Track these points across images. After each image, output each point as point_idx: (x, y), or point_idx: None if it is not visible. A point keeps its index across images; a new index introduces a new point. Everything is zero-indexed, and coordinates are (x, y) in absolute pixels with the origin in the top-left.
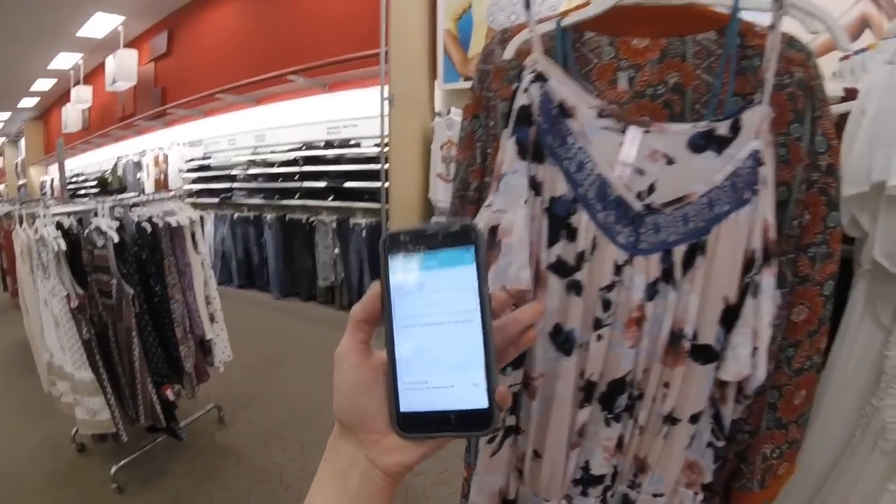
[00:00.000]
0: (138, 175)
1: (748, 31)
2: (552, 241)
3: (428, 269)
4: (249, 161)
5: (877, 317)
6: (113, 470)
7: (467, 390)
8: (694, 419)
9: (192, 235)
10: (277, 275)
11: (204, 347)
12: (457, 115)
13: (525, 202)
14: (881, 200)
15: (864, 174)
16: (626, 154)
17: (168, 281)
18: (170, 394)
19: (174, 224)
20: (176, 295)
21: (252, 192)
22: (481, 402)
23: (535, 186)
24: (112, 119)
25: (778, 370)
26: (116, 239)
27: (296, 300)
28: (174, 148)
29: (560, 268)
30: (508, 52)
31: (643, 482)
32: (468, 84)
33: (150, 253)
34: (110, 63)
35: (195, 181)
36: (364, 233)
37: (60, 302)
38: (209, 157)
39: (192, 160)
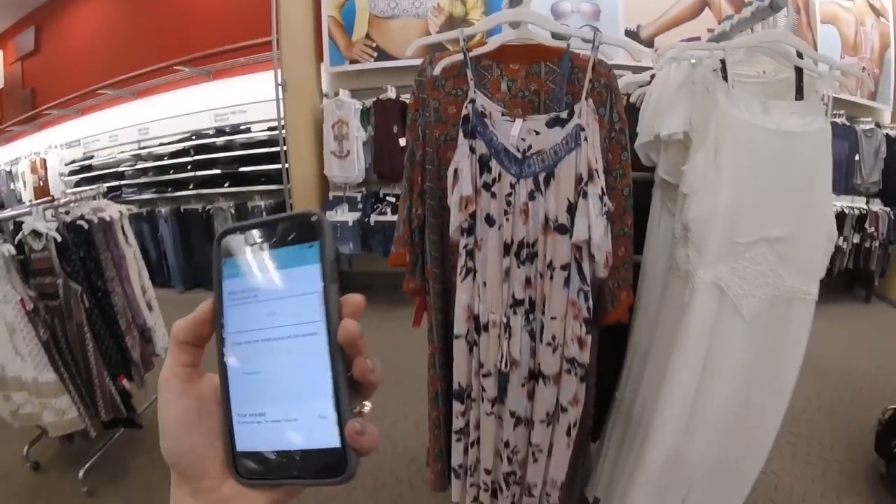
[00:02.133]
0: (12, 186)
1: (575, 58)
2: (481, 174)
3: (265, 270)
4: (135, 156)
5: (668, 208)
6: (80, 474)
7: (313, 425)
8: (564, 268)
9: (122, 228)
10: (179, 269)
11: (145, 336)
12: (345, 96)
13: (468, 157)
14: (660, 144)
15: (650, 130)
16: (514, 132)
17: (107, 275)
18: (126, 384)
19: (107, 219)
20: (116, 288)
21: (142, 188)
22: (331, 439)
23: (472, 150)
24: None
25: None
26: (59, 239)
27: (201, 291)
28: (52, 151)
29: (485, 186)
30: (437, 71)
31: (546, 310)
32: (353, 67)
33: (87, 250)
34: None
35: (78, 184)
36: (264, 214)
37: (15, 307)
38: (91, 157)
39: (72, 162)
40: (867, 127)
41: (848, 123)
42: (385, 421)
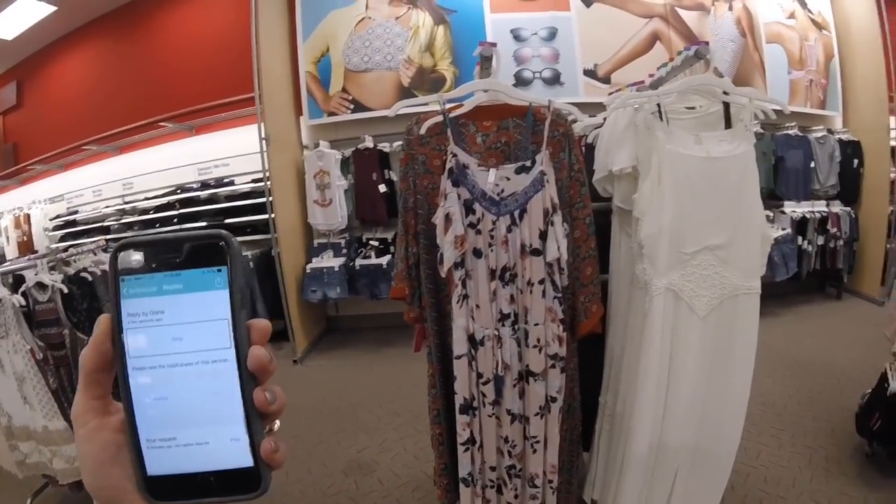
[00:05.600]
0: None
1: (537, 112)
2: (467, 215)
3: (170, 293)
4: (120, 210)
5: (625, 231)
6: None
7: (226, 447)
8: (540, 282)
9: None
10: None
11: None
12: (325, 147)
13: (457, 202)
14: (613, 178)
15: (604, 167)
16: (490, 179)
17: None
18: None
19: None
20: None
21: None
22: (244, 459)
23: (458, 196)
24: None
25: (574, 259)
26: (66, 290)
27: None
28: (35, 206)
29: (471, 225)
30: (423, 130)
31: (529, 319)
32: (331, 119)
33: (90, 301)
34: None
35: (63, 238)
36: (251, 264)
37: (25, 357)
38: (75, 212)
39: (56, 217)
40: (819, 135)
41: (801, 133)
42: (386, 455)
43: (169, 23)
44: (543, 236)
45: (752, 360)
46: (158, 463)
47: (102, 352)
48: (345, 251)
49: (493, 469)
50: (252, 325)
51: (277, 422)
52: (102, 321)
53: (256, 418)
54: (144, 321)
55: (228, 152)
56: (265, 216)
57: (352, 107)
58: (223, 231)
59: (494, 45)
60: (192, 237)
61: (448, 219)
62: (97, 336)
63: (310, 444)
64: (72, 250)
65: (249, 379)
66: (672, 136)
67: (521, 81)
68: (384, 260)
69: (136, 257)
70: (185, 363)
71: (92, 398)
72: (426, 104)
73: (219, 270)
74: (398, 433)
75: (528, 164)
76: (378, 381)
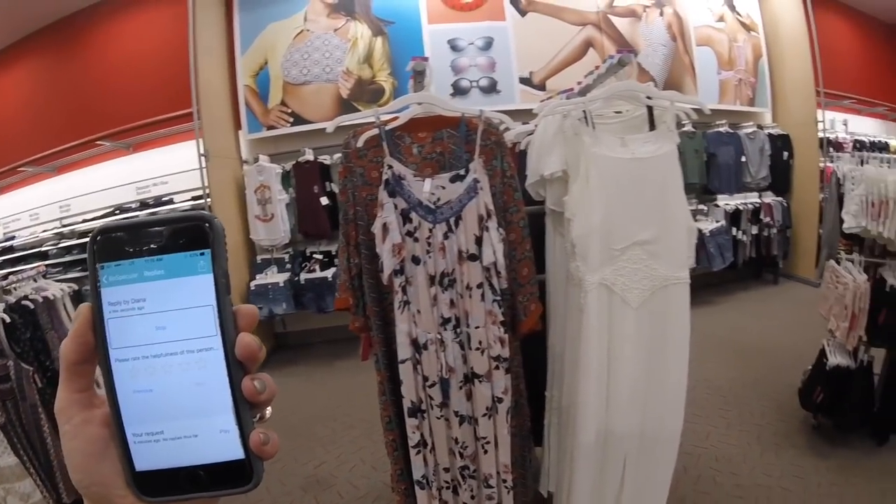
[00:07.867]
0: None
1: (469, 122)
2: (404, 224)
3: (152, 279)
4: (58, 234)
5: (559, 231)
6: None
7: (215, 439)
8: (479, 286)
9: (65, 306)
10: None
11: None
12: (265, 161)
13: (393, 212)
14: (545, 182)
15: (536, 171)
16: (425, 188)
17: (54, 354)
18: None
19: (51, 297)
20: None
21: (68, 266)
22: (234, 452)
23: (395, 206)
24: None
25: (511, 261)
26: (8, 320)
27: None
28: None
29: (409, 233)
30: (360, 143)
31: (470, 322)
32: (271, 133)
33: (33, 330)
34: None
35: (0, 266)
36: None
37: None
38: (11, 238)
39: None
40: (749, 130)
41: (731, 130)
42: (343, 468)
43: (104, 38)
44: (479, 242)
45: (686, 345)
46: (146, 458)
47: (83, 342)
48: (289, 266)
49: (446, 470)
50: (238, 310)
51: (269, 409)
52: (83, 310)
53: (246, 408)
54: (126, 310)
55: (167, 170)
56: None
57: (291, 120)
58: (206, 213)
59: (426, 59)
60: (172, 220)
61: (385, 228)
62: (78, 326)
63: (266, 463)
64: (11, 278)
65: (237, 367)
66: (598, 140)
67: (458, 91)
68: (329, 273)
69: (116, 243)
70: (170, 353)
71: (74, 391)
72: (364, 118)
73: (202, 254)
74: (354, 445)
75: (461, 172)
76: (331, 395)
